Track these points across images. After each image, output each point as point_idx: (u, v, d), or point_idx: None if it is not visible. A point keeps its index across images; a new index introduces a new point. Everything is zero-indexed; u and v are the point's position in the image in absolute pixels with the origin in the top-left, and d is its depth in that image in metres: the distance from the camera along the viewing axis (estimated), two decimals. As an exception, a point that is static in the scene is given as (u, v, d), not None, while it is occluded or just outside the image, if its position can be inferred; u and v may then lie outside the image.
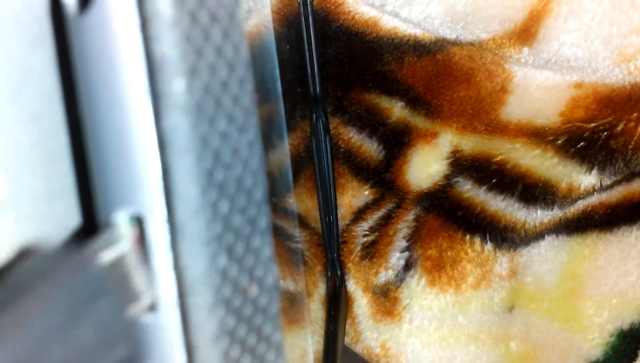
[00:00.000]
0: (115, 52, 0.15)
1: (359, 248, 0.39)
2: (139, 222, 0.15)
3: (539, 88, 0.35)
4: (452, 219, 0.38)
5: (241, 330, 0.16)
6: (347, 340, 0.40)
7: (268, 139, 0.39)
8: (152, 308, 0.15)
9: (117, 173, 0.16)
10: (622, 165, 0.35)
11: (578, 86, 0.34)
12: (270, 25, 0.37)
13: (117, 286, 0.14)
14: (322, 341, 0.40)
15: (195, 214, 0.15)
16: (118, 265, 0.15)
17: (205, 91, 0.15)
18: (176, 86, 0.15)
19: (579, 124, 0.35)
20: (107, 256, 0.14)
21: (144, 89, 0.15)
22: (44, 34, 0.16)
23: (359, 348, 0.40)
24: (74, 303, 0.13)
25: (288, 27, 0.37)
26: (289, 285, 0.41)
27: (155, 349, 0.16)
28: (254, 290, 0.16)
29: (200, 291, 0.15)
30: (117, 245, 0.15)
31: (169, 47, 0.14)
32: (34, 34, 0.16)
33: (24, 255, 0.15)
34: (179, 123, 0.15)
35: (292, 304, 0.41)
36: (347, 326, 0.40)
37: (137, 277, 0.15)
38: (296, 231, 0.41)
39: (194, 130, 0.15)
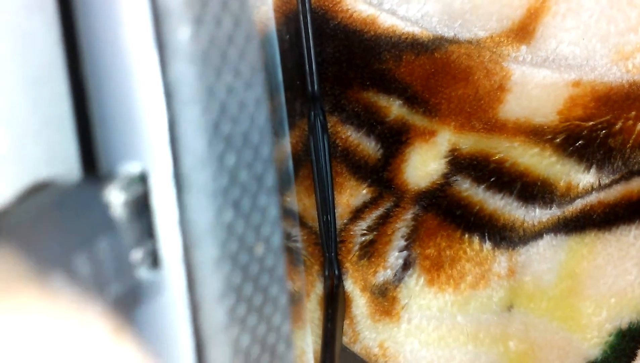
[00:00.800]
0: (118, 2, 0.15)
1: (357, 247, 0.39)
2: (143, 176, 0.15)
3: (537, 86, 0.35)
4: (450, 218, 0.38)
5: (247, 289, 0.16)
6: (345, 339, 0.40)
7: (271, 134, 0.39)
8: (156, 264, 0.15)
9: (121, 128, 0.15)
10: (620, 164, 0.35)
11: (576, 84, 0.34)
12: (272, 22, 0.37)
13: (122, 229, 0.14)
14: (319, 341, 0.40)
15: (202, 166, 0.15)
16: (125, 208, 0.14)
17: (211, 41, 0.15)
18: (181, 34, 0.14)
19: (577, 122, 0.35)
20: (115, 198, 0.14)
21: (149, 38, 0.15)
22: None
23: (357, 348, 0.40)
24: (79, 236, 0.13)
25: (286, 25, 0.37)
26: (288, 284, 0.41)
27: (159, 307, 0.15)
28: (260, 249, 0.16)
29: (206, 245, 0.15)
30: (125, 191, 0.15)
31: None
32: None
33: (37, 189, 0.15)
34: (185, 73, 0.15)
35: (291, 303, 0.41)
36: (345, 326, 0.40)
37: (140, 226, 0.15)
38: (295, 230, 0.41)
39: (200, 80, 0.15)
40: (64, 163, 0.16)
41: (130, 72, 0.15)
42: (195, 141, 0.15)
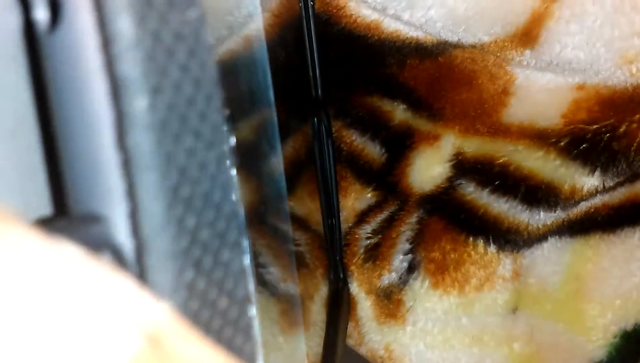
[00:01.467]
0: (80, 71, 0.15)
1: (362, 250, 0.40)
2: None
3: (541, 90, 0.35)
4: (455, 221, 0.38)
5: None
6: (351, 342, 0.40)
7: (259, 147, 0.39)
8: None
9: (88, 190, 0.16)
10: (624, 166, 0.35)
11: (580, 87, 0.34)
12: (262, 32, 0.37)
13: None
14: (322, 343, 0.40)
15: (161, 229, 0.15)
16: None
17: (170, 108, 0.15)
18: (138, 104, 0.15)
19: (582, 126, 0.35)
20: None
21: (108, 107, 0.15)
22: (18, 53, 0.16)
23: (363, 351, 0.40)
24: None
25: (289, 30, 0.37)
26: (289, 287, 0.41)
27: None
28: (223, 303, 0.17)
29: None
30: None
31: (130, 66, 0.15)
32: (9, 53, 0.16)
33: None
34: (143, 141, 0.15)
35: (292, 307, 0.41)
36: (350, 328, 0.40)
37: None
38: (297, 234, 0.41)
39: (158, 147, 0.15)
40: (39, 213, 0.16)
41: (92, 138, 0.15)
42: (154, 206, 0.15)
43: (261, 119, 0.38)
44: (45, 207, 0.17)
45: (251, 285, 0.17)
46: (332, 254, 0.39)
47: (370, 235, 0.39)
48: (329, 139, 0.37)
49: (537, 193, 0.36)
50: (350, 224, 0.40)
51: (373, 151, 0.38)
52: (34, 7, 0.14)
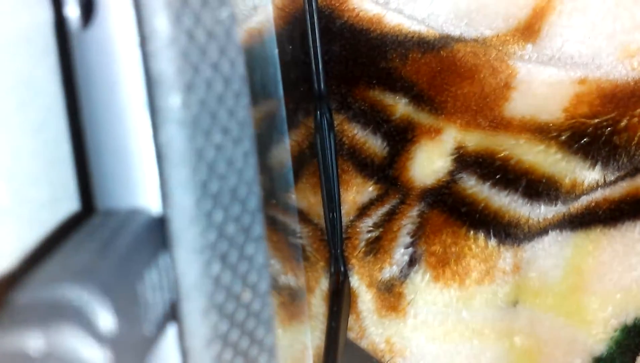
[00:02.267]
0: (114, 67, 0.15)
1: (363, 244, 0.40)
2: None
3: (542, 84, 0.35)
4: (456, 215, 0.38)
5: (234, 334, 0.16)
6: (352, 335, 0.40)
7: (269, 138, 0.39)
8: None
9: (117, 183, 0.16)
10: (625, 161, 0.35)
11: (582, 82, 0.34)
12: (272, 24, 0.37)
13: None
14: (323, 337, 0.40)
15: (190, 224, 0.15)
16: None
17: (201, 105, 0.15)
18: (172, 101, 0.15)
19: (583, 120, 0.35)
20: None
21: (142, 103, 0.15)
22: (48, 48, 0.16)
23: (364, 344, 0.40)
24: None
25: (293, 24, 0.37)
26: (290, 280, 0.41)
27: (155, 357, 0.16)
28: (247, 296, 0.17)
29: (194, 297, 0.16)
30: None
31: (166, 64, 0.15)
32: (39, 48, 0.16)
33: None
34: (175, 136, 0.15)
35: (293, 299, 0.41)
36: (352, 321, 0.40)
37: None
38: (297, 227, 0.41)
39: (190, 143, 0.15)
40: (65, 204, 0.16)
41: (124, 134, 0.15)
42: (184, 201, 0.15)
43: (271, 112, 0.38)
44: (72, 202, 0.17)
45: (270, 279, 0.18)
46: (333, 247, 0.39)
47: (371, 228, 0.39)
48: (330, 133, 0.37)
49: (538, 187, 0.36)
50: (351, 218, 0.39)
51: (375, 144, 0.38)
52: (66, 3, 0.14)
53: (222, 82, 0.16)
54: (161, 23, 0.14)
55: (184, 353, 0.16)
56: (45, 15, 0.16)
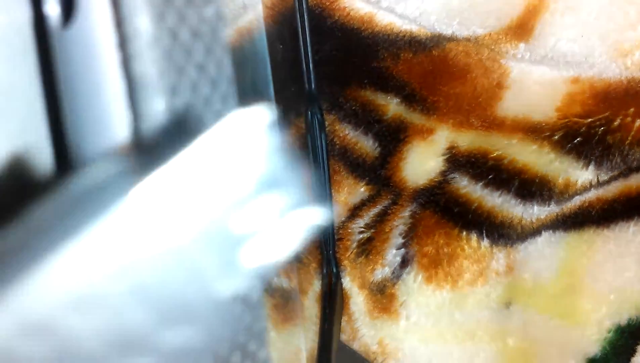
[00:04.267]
0: (96, 68, 0.14)
1: (354, 245, 0.39)
2: None
3: (535, 83, 0.34)
4: (448, 215, 0.37)
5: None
6: (344, 337, 0.40)
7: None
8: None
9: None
10: (619, 160, 0.34)
11: (574, 81, 0.33)
12: (262, 23, 0.36)
13: None
14: (316, 339, 0.39)
15: None
16: None
17: (187, 109, 0.15)
18: (156, 105, 0.14)
19: (576, 119, 0.34)
20: None
21: (124, 107, 0.14)
22: (27, 48, 0.15)
23: (356, 346, 0.39)
24: None
25: (283, 23, 0.36)
26: (283, 282, 0.40)
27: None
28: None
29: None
30: None
31: (148, 66, 0.14)
32: (18, 49, 0.15)
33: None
34: (160, 141, 0.14)
35: (286, 302, 0.41)
36: (343, 323, 0.39)
37: None
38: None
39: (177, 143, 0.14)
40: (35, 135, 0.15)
41: (107, 136, 0.14)
42: None
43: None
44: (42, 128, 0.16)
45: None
46: (325, 249, 0.38)
47: (363, 229, 0.38)
48: (322, 133, 0.36)
49: (531, 187, 0.36)
50: (343, 219, 0.39)
51: (366, 145, 0.37)
52: (46, 1, 0.13)
53: (208, 85, 0.15)
54: (143, 22, 0.14)
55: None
56: (24, 14, 0.15)
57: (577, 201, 0.35)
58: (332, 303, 0.39)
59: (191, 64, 0.15)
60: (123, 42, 0.14)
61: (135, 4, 0.13)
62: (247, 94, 0.37)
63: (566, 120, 0.34)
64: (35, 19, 0.15)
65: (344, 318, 0.39)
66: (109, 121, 0.14)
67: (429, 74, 0.35)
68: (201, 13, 0.15)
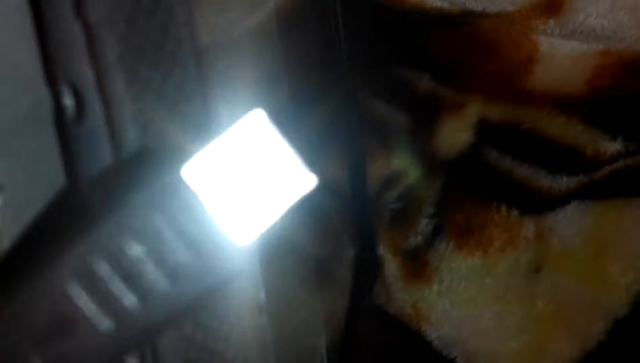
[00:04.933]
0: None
1: (388, 214, 0.40)
2: None
3: (565, 57, 0.35)
4: (478, 186, 0.38)
5: None
6: (379, 302, 0.41)
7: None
8: None
9: None
10: (647, 131, 0.35)
11: (604, 54, 0.34)
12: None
13: None
14: (347, 303, 0.40)
15: None
16: None
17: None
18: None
19: (605, 91, 0.35)
20: None
21: None
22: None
23: (391, 310, 0.41)
24: None
25: (316, 2, 0.37)
26: (317, 250, 0.42)
27: None
28: None
29: None
30: None
31: None
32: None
33: None
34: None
35: (320, 268, 0.42)
36: (379, 289, 0.41)
37: None
38: (323, 200, 0.41)
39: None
40: None
41: None
42: None
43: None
44: None
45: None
46: (359, 218, 0.40)
47: (396, 199, 0.40)
48: (356, 109, 0.37)
49: (560, 158, 0.36)
50: (376, 190, 0.40)
51: (399, 119, 0.38)
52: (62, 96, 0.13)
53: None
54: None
55: None
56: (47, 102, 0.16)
57: (606, 171, 0.36)
58: (364, 269, 0.40)
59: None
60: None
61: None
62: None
63: (595, 92, 0.35)
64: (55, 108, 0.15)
65: (380, 285, 0.41)
66: None
67: (461, 49, 0.36)
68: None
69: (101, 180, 0.14)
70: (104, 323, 0.11)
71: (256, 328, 0.25)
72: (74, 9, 0.12)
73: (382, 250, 0.40)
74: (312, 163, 0.16)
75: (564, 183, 0.37)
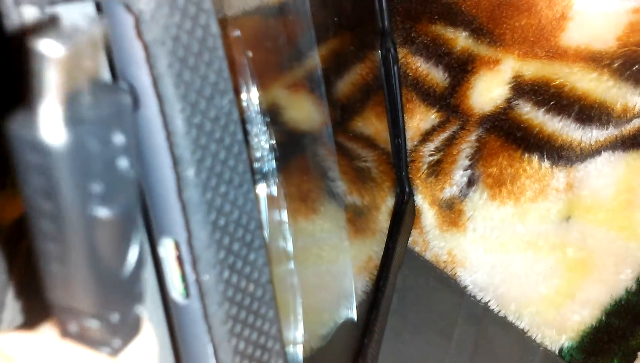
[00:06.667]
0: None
1: (425, 166, 0.41)
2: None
3: (597, 14, 0.35)
4: (511, 139, 0.39)
5: (243, 314, 0.19)
6: (417, 249, 0.43)
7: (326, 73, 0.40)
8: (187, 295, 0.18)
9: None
10: (676, 86, 0.35)
11: (636, 11, 0.34)
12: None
13: None
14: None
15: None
16: None
17: (212, 187, 0.17)
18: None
19: (635, 48, 0.35)
20: None
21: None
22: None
23: (428, 256, 0.42)
24: None
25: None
26: (355, 199, 0.43)
27: (188, 323, 0.19)
28: (250, 288, 0.19)
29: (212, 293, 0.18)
30: None
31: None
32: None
33: None
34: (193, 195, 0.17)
35: (358, 216, 0.43)
36: (416, 236, 0.42)
37: None
38: (364, 151, 0.42)
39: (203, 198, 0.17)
40: None
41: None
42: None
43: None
44: None
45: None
46: (398, 170, 0.41)
47: (433, 152, 0.41)
48: (395, 66, 0.38)
49: (590, 112, 0.37)
50: (415, 143, 0.41)
51: (437, 75, 0.39)
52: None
53: (229, 172, 0.17)
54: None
55: (208, 323, 0.18)
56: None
57: (635, 124, 0.37)
58: (402, 217, 0.42)
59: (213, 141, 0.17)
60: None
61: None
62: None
63: (626, 49, 0.35)
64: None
65: (417, 232, 0.42)
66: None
67: (496, 7, 0.36)
68: (221, 101, 0.17)
69: None
70: None
71: (284, 273, 0.28)
72: (135, 30, 0.15)
73: (420, 200, 0.42)
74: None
75: (594, 136, 0.37)
